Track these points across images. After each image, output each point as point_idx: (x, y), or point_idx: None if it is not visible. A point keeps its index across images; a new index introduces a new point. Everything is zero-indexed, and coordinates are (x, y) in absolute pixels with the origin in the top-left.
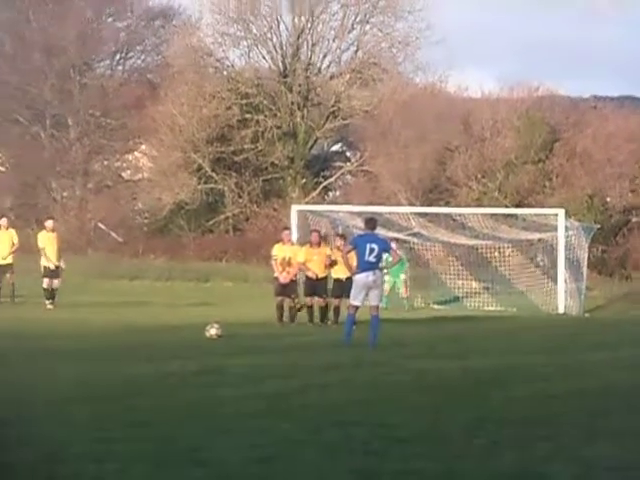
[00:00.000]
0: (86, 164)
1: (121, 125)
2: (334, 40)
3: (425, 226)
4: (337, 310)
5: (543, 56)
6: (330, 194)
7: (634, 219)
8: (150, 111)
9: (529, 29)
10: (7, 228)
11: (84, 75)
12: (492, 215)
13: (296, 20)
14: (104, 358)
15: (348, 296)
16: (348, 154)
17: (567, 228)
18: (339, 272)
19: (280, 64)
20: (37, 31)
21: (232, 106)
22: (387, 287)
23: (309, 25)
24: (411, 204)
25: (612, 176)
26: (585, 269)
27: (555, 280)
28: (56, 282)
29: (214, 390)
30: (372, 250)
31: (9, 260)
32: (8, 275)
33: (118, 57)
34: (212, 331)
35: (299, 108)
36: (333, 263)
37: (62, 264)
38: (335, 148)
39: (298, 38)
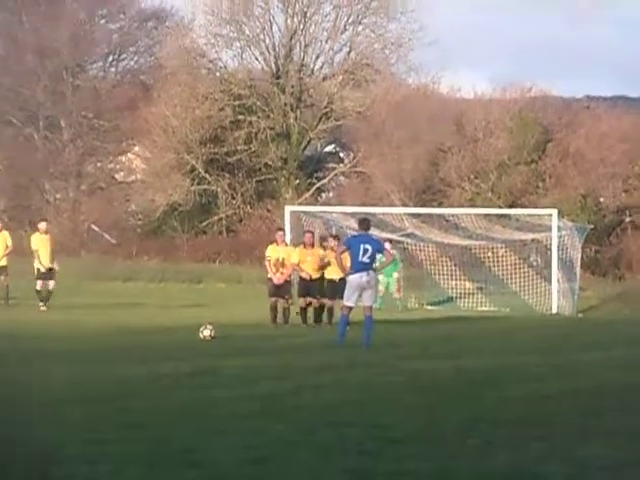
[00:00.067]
0: (79, 166)
1: (114, 127)
2: (327, 41)
3: (418, 227)
4: (331, 311)
5: (536, 57)
6: (323, 195)
7: (627, 219)
8: (143, 112)
9: (521, 30)
10: (0, 230)
11: (77, 77)
12: (485, 215)
13: (289, 21)
14: (97, 359)
15: (342, 297)
16: (341, 155)
17: (560, 228)
18: (332, 273)
19: (273, 65)
20: (30, 33)
21: (225, 107)
22: (381, 288)
23: (302, 26)
24: (404, 205)
25: (605, 176)
26: (578, 269)
27: (548, 280)
28: (51, 284)
29: (208, 391)
30: (366, 251)
31: (3, 262)
32: (2, 277)
33: (111, 59)
34: (206, 332)
35: (292, 109)
36: (326, 265)
37: (55, 266)
38: (328, 149)
39: (291, 39)
